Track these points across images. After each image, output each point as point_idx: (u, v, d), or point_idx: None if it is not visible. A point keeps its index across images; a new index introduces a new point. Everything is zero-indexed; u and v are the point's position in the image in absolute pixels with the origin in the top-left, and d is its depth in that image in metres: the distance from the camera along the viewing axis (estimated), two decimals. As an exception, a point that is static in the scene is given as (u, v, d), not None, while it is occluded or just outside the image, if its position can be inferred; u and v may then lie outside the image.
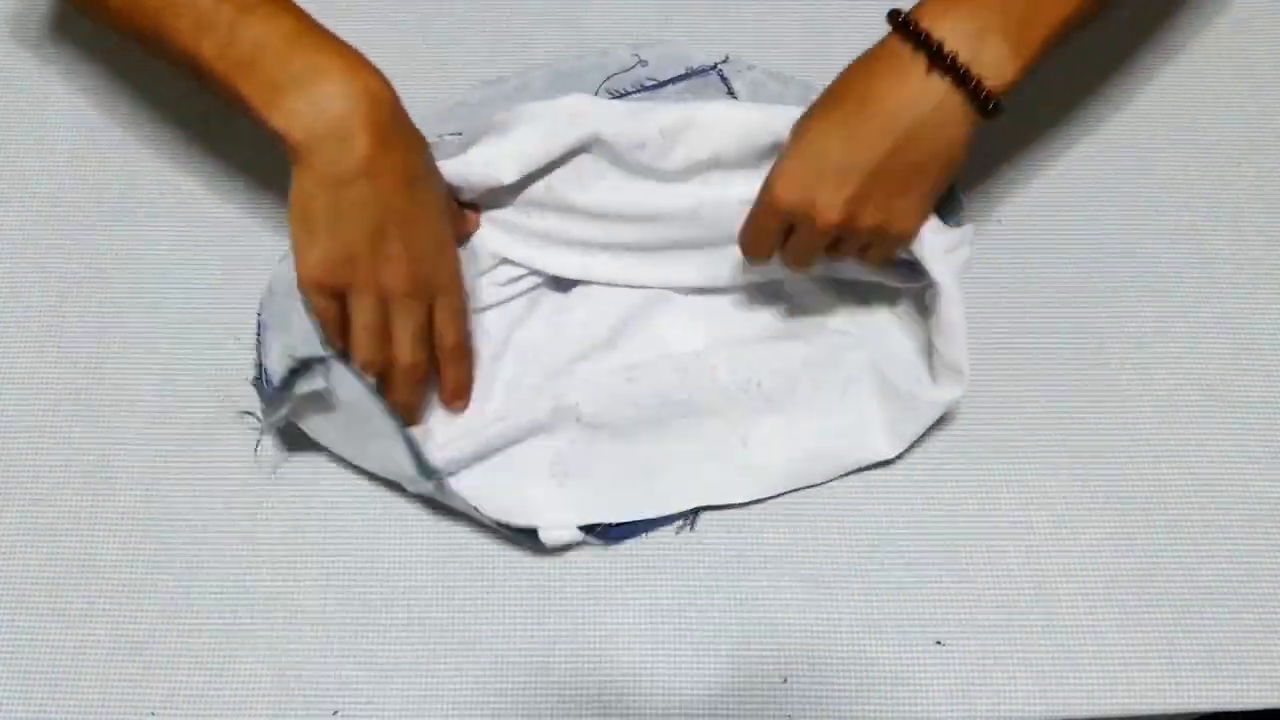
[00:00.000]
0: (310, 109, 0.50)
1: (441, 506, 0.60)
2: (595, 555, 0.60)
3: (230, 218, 0.69)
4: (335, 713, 0.56)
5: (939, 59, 0.50)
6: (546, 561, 0.59)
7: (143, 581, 0.59)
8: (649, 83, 0.69)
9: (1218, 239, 0.68)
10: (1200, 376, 0.64)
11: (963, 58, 0.50)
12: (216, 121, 0.71)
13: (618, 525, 0.59)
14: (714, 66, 0.70)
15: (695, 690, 0.56)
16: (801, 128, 0.56)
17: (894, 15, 0.53)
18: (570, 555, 0.60)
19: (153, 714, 0.56)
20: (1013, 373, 0.64)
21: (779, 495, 0.61)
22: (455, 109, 0.69)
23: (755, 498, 0.60)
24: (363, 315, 0.55)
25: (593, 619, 0.58)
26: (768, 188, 0.55)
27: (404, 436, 0.56)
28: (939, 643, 0.58)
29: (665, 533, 0.60)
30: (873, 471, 0.62)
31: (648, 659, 0.57)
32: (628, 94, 0.68)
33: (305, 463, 0.62)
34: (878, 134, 0.52)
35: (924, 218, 0.56)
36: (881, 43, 0.54)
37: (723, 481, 0.60)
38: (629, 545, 0.60)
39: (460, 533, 0.60)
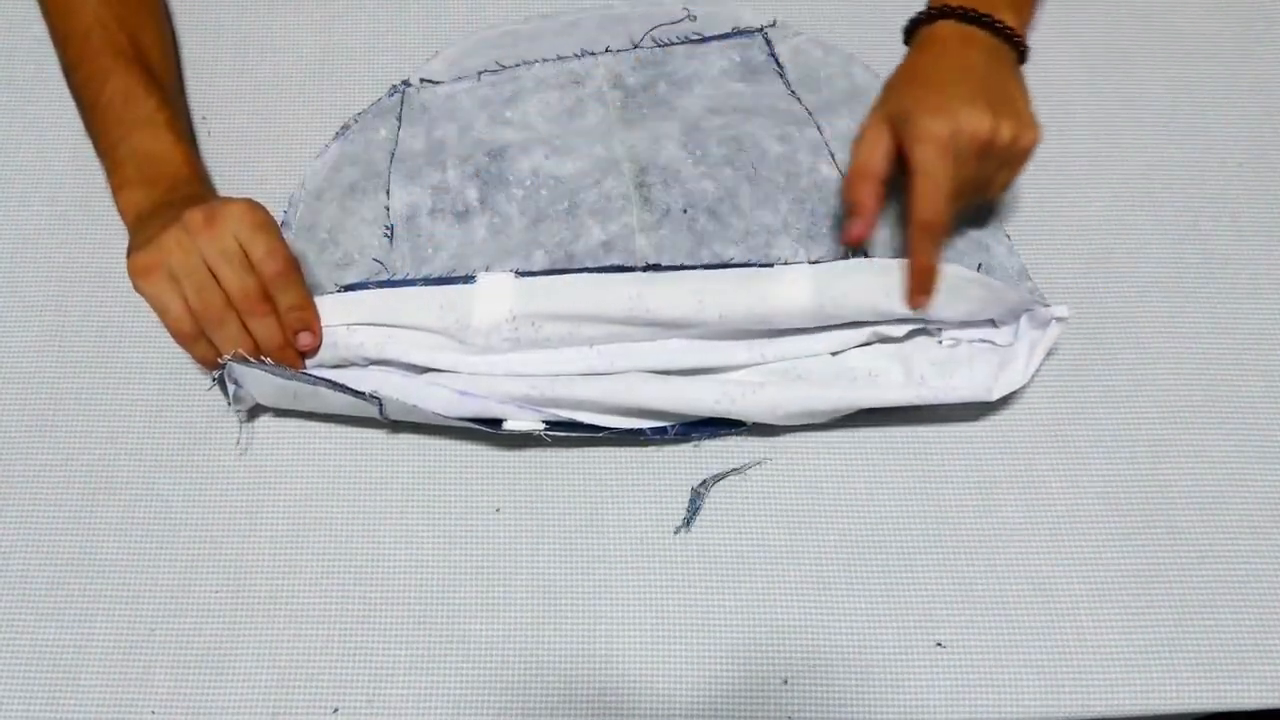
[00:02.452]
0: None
1: (441, 508, 0.60)
2: (596, 557, 0.60)
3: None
4: (335, 710, 0.56)
5: (975, 20, 0.61)
6: (547, 562, 0.59)
7: (143, 581, 0.59)
8: (694, 37, 0.70)
9: (1219, 239, 0.68)
10: (1201, 377, 0.65)
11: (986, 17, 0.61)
12: (214, 122, 0.71)
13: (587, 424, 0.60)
14: (760, 29, 0.71)
15: (696, 691, 0.56)
16: (905, 106, 0.58)
17: (933, 10, 0.62)
18: (571, 557, 0.60)
19: (153, 713, 0.56)
20: (1013, 373, 0.64)
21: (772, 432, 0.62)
22: (503, 36, 0.71)
23: (736, 415, 0.60)
24: (182, 293, 0.57)
25: (593, 620, 0.58)
26: (916, 134, 0.57)
27: (322, 383, 0.58)
28: (939, 644, 0.58)
29: (665, 533, 0.60)
30: (873, 473, 0.62)
31: (648, 660, 0.57)
32: (671, 43, 0.70)
33: (305, 463, 0.62)
34: (968, 78, 0.59)
35: (1036, 125, 0.59)
36: (925, 33, 0.62)
37: (706, 396, 0.60)
38: (630, 547, 0.60)
39: (461, 534, 0.60)
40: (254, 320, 0.57)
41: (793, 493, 0.61)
